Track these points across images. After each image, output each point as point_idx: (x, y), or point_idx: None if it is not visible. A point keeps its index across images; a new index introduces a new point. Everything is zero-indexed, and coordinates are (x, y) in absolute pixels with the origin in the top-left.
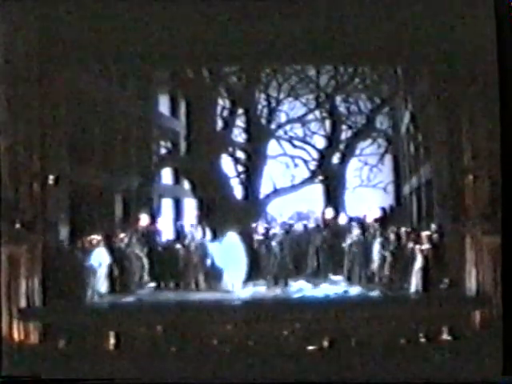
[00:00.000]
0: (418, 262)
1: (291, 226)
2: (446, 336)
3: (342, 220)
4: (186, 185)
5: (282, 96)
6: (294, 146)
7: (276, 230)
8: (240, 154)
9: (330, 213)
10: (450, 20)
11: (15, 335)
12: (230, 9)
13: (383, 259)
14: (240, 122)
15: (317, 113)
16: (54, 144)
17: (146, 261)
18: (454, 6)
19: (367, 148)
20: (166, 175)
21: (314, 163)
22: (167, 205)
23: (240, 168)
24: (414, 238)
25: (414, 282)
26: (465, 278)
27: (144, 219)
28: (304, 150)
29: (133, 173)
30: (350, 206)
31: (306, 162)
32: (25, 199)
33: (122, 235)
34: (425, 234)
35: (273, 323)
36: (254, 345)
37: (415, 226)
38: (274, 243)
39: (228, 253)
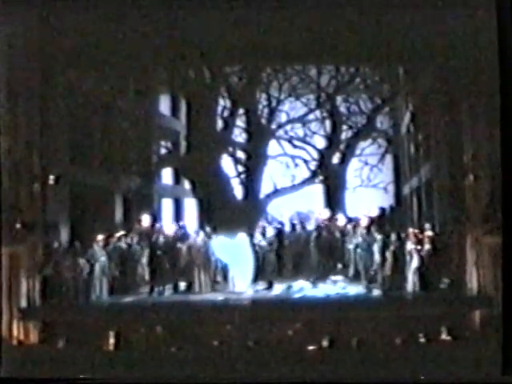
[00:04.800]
0: (415, 262)
1: (291, 225)
2: (445, 336)
3: (342, 220)
4: (187, 185)
5: (282, 96)
6: (295, 146)
7: (276, 229)
8: (240, 154)
9: (330, 213)
10: (451, 20)
11: (15, 335)
12: (231, 8)
13: (383, 259)
14: (240, 121)
15: (317, 113)
16: (54, 144)
17: (146, 261)
18: (454, 6)
19: (367, 148)
20: (167, 175)
21: (315, 163)
22: (167, 205)
23: (240, 168)
24: (415, 238)
25: (411, 282)
26: (465, 278)
27: (145, 220)
28: (304, 149)
29: (133, 173)
30: (351, 205)
31: (306, 161)
32: (25, 199)
33: (122, 235)
34: (425, 233)
35: (273, 323)
36: (254, 345)
37: (415, 226)
38: (274, 243)
39: (234, 254)
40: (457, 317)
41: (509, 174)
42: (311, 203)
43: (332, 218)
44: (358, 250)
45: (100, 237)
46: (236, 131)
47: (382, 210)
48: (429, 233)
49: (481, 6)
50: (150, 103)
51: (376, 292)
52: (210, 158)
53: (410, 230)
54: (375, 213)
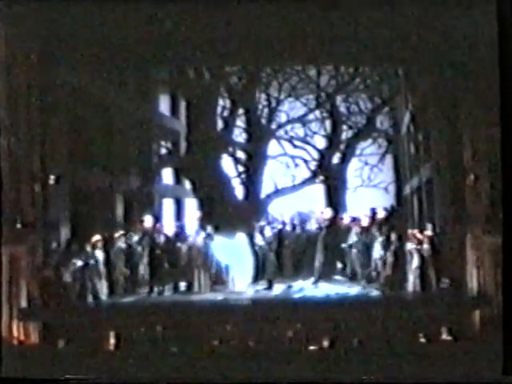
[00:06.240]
0: (415, 262)
1: (292, 226)
2: (445, 336)
3: (343, 220)
4: (187, 185)
5: (282, 96)
6: (295, 146)
7: (277, 230)
8: (240, 154)
9: (330, 213)
10: (451, 20)
11: (15, 335)
12: (231, 8)
13: (384, 259)
14: (240, 121)
15: (317, 113)
16: (54, 144)
17: (146, 261)
18: (454, 6)
19: (368, 148)
20: (167, 175)
21: (315, 163)
22: (168, 205)
23: (240, 168)
24: (415, 238)
25: (411, 282)
26: (465, 278)
27: (148, 221)
28: (304, 150)
29: (133, 173)
30: (351, 205)
31: (306, 162)
32: (25, 199)
33: (122, 235)
34: (425, 233)
35: (273, 323)
36: (254, 345)
37: (416, 226)
38: (274, 243)
39: (235, 254)
40: (457, 317)
41: (509, 173)
42: (312, 203)
43: (333, 218)
44: (359, 250)
45: (100, 237)
46: (236, 131)
47: (383, 210)
48: (429, 233)
49: (481, 6)
50: (149, 103)
51: (376, 292)
52: (210, 158)
53: (410, 229)
54: (381, 214)
